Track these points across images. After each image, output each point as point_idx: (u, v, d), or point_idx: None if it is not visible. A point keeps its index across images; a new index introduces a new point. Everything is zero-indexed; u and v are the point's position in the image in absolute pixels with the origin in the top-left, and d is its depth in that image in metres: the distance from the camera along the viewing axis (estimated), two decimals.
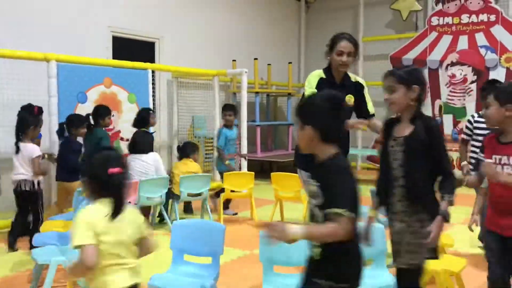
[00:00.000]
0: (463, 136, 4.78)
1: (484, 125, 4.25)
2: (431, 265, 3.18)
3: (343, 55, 3.75)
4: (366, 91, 4.00)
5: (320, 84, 3.82)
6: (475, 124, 4.59)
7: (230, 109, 6.58)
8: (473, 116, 4.72)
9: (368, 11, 11.20)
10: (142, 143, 5.70)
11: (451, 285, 3.51)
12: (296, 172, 4.63)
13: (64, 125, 5.38)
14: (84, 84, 6.17)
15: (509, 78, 9.15)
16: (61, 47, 6.50)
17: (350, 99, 3.80)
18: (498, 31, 9.26)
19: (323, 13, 12.01)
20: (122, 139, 6.63)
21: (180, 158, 6.30)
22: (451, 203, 2.44)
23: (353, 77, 3.97)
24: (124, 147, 6.51)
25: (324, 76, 3.88)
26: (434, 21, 9.95)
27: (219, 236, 3.07)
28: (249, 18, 10.65)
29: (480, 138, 4.17)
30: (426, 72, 10.06)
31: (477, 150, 4.15)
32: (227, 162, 6.33)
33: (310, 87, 3.83)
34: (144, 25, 8.26)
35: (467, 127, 4.71)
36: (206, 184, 5.89)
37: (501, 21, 9.25)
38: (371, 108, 3.99)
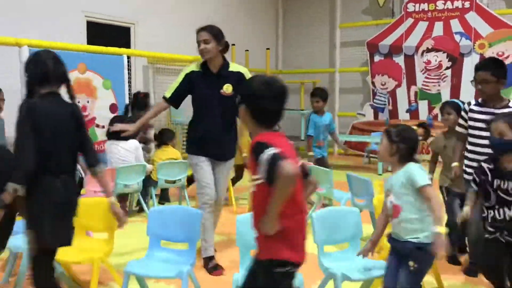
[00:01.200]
0: (457, 128, 3.73)
1: (483, 116, 3.44)
2: None
3: (201, 44, 3.95)
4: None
5: (190, 78, 4.01)
6: (470, 114, 3.57)
7: (316, 95, 6.01)
8: (469, 104, 3.63)
9: None
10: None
11: None
12: None
13: None
14: None
15: None
16: (33, 32, 6.35)
17: (228, 88, 3.92)
18: (473, 18, 9.38)
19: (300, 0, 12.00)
20: (97, 125, 6.54)
21: (159, 145, 6.26)
22: None
23: (235, 66, 4.08)
24: (99, 133, 6.43)
25: (197, 69, 4.05)
26: (410, 7, 10.03)
27: (195, 222, 3.07)
28: (226, 3, 10.56)
29: (477, 139, 3.48)
30: (402, 59, 10.17)
31: (475, 157, 3.43)
32: (310, 153, 5.82)
33: (172, 87, 4.07)
34: (119, 10, 8.12)
35: (462, 117, 3.68)
36: (183, 171, 5.87)
37: (475, 8, 9.37)
38: None
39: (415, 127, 5.30)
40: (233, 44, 9.70)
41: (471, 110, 3.57)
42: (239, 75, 3.98)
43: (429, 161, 4.36)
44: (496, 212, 2.87)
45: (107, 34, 7.94)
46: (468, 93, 9.45)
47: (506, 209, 2.84)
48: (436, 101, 9.69)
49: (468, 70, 9.45)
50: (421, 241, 2.57)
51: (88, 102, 6.42)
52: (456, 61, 9.61)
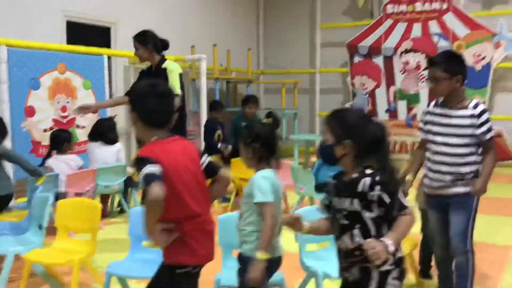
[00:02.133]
0: (418, 133, 3.17)
1: (438, 119, 2.95)
2: None
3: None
4: (171, 75, 4.27)
5: (140, 76, 4.52)
6: (427, 117, 3.05)
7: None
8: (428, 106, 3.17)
9: None
10: (108, 133, 5.53)
11: None
12: None
13: None
14: (37, 70, 5.98)
15: None
16: (12, 32, 6.27)
17: None
18: (450, 19, 9.55)
19: (281, 0, 12.04)
20: (78, 126, 6.49)
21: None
22: None
23: (166, 63, 4.38)
24: (80, 134, 6.38)
25: (146, 67, 4.54)
26: (389, 8, 10.16)
27: None
28: (207, 4, 10.55)
29: (433, 146, 2.95)
30: (381, 59, 10.29)
31: (431, 167, 2.99)
32: None
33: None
34: (99, 10, 8.06)
35: (421, 120, 3.14)
36: None
37: (452, 10, 9.54)
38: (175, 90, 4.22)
39: (265, 120, 5.34)
40: (215, 45, 9.71)
41: (429, 112, 3.04)
42: (164, 71, 4.26)
43: (407, 161, 4.42)
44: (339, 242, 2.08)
45: (87, 34, 7.88)
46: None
47: (344, 237, 2.02)
48: (415, 101, 9.84)
49: None
50: (245, 254, 2.41)
51: (68, 102, 6.37)
52: None
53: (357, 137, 1.96)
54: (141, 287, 3.47)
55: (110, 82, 7.54)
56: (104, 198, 5.64)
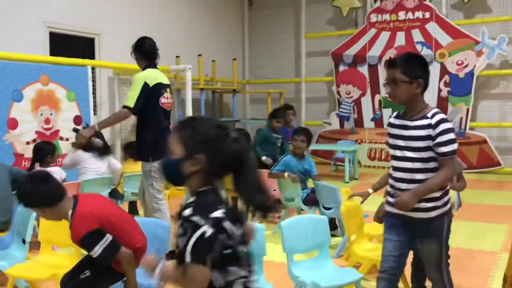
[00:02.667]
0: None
1: (396, 131, 2.68)
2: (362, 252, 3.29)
3: None
4: (133, 85, 4.23)
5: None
6: (389, 129, 2.78)
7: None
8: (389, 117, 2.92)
9: (310, 8, 11.37)
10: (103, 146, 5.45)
11: None
12: None
13: None
14: (19, 82, 5.90)
15: (443, 72, 9.59)
16: None
17: None
18: (433, 28, 9.68)
19: (266, 10, 12.10)
20: (61, 138, 6.41)
21: (125, 158, 6.18)
22: None
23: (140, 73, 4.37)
24: (64, 146, 6.29)
25: None
26: (373, 17, 10.26)
27: (165, 234, 3.03)
28: (192, 14, 10.55)
29: (393, 160, 2.69)
30: (366, 68, 10.38)
31: (391, 183, 2.71)
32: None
33: None
34: (83, 21, 8.00)
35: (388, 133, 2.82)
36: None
37: (435, 18, 9.67)
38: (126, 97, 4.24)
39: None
40: (200, 55, 9.70)
41: (390, 124, 2.76)
42: None
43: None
44: None
45: (71, 45, 7.81)
46: (430, 101, 9.71)
47: None
48: (399, 109, 9.88)
49: (431, 79, 9.65)
50: None
51: (51, 114, 6.29)
52: None
53: (213, 151, 1.64)
54: None
55: (94, 93, 7.47)
56: None
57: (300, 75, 11.55)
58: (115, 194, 5.70)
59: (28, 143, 5.96)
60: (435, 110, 2.61)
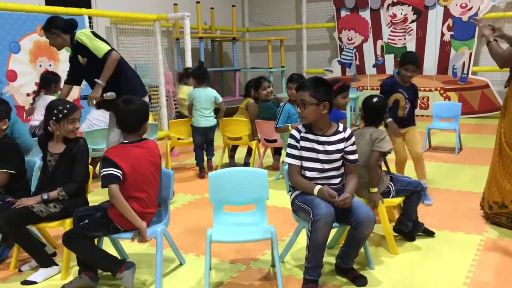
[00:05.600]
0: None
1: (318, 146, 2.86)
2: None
3: None
4: (86, 42, 4.00)
5: (71, 64, 4.30)
6: (302, 143, 2.88)
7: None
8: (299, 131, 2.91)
9: None
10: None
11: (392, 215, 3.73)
12: None
13: None
14: (15, 32, 5.82)
15: (447, 16, 9.39)
16: None
17: (80, 59, 4.08)
18: None
19: None
20: (61, 89, 6.37)
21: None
22: None
23: (75, 37, 4.06)
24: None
25: (70, 55, 4.29)
26: None
27: (168, 181, 3.07)
28: None
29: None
30: (368, 13, 10.16)
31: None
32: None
33: None
34: None
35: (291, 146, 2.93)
36: (153, 132, 5.82)
37: None
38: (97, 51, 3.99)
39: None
40: (198, 2, 9.49)
41: (302, 138, 2.89)
42: (79, 45, 4.02)
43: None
44: None
45: None
46: (433, 46, 9.58)
47: None
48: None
49: (433, 23, 9.52)
50: None
51: (50, 65, 6.24)
52: (421, 14, 9.65)
53: None
54: (133, 246, 3.50)
55: None
56: (93, 161, 5.61)
57: (301, 22, 11.32)
58: None
59: (28, 95, 5.95)
60: (342, 125, 2.95)
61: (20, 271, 3.15)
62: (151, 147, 2.89)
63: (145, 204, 2.84)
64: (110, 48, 3.99)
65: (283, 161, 5.36)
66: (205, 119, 5.55)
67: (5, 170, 3.12)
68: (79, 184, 3.03)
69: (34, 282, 2.96)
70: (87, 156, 3.12)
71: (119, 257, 3.10)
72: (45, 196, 2.96)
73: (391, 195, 3.33)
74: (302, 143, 2.86)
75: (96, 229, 2.81)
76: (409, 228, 3.45)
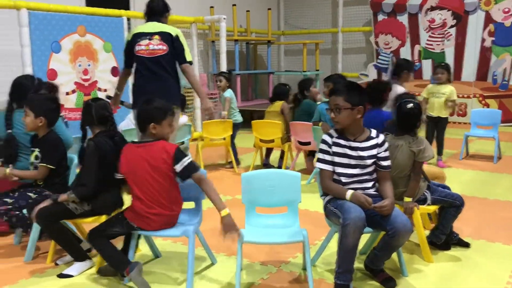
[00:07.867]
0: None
1: (350, 152, 2.83)
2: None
3: None
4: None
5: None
6: (334, 149, 2.85)
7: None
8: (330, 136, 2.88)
9: None
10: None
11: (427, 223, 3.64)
12: None
13: None
14: (57, 33, 5.98)
15: (488, 21, 9.16)
16: None
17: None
18: None
19: None
20: (99, 89, 6.52)
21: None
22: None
23: None
24: (101, 97, 6.40)
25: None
26: None
27: None
28: None
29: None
30: (405, 17, 10.00)
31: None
32: None
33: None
34: None
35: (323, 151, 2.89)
36: (186, 133, 5.89)
37: None
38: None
39: None
40: (234, 5, 9.55)
41: (335, 144, 2.85)
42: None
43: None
44: None
45: None
46: (472, 52, 9.35)
47: None
48: (440, 60, 9.57)
49: (473, 28, 9.29)
50: None
51: (89, 65, 6.38)
52: (461, 19, 9.44)
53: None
54: (166, 244, 3.54)
55: None
56: None
57: (337, 25, 11.25)
58: None
59: (67, 93, 6.10)
60: (375, 131, 2.91)
61: (56, 264, 3.23)
62: (153, 149, 2.80)
63: (147, 204, 2.82)
64: (124, 63, 4.31)
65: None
66: None
67: (45, 165, 3.21)
68: (88, 188, 2.98)
69: (70, 276, 3.03)
70: (95, 158, 2.98)
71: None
72: (54, 197, 3.03)
73: (427, 202, 3.25)
74: (334, 149, 2.83)
75: (114, 226, 2.90)
76: (442, 242, 3.36)
